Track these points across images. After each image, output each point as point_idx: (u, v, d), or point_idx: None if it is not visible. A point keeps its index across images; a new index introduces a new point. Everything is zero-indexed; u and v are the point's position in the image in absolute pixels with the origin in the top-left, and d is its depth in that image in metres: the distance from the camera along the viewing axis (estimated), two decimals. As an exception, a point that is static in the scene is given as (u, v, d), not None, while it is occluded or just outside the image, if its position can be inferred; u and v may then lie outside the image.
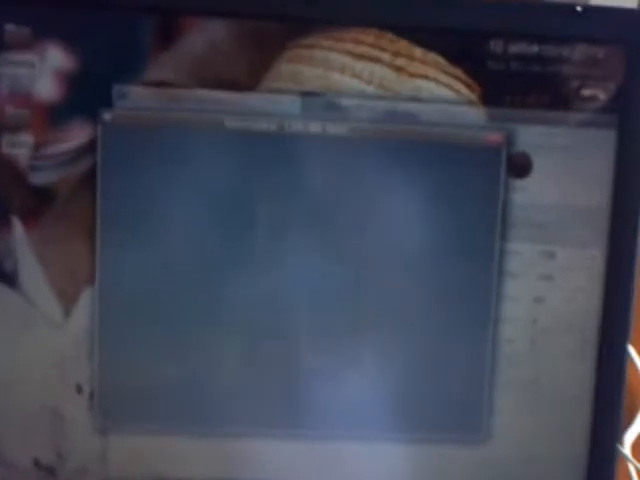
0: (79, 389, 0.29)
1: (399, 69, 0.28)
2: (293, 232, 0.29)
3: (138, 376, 0.29)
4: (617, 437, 0.31)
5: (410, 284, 0.29)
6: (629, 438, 0.40)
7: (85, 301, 0.29)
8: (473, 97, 0.28)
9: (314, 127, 0.28)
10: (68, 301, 0.29)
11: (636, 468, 0.38)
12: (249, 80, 0.28)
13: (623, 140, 0.29)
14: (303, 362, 0.29)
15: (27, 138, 0.27)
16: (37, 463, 0.29)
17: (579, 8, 0.27)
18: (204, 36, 0.27)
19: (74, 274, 0.28)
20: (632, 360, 0.45)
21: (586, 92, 0.28)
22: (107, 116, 0.28)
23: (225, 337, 0.29)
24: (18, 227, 0.28)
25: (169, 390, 0.29)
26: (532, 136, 0.29)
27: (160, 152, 0.28)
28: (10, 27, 0.27)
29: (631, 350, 0.46)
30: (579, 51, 0.28)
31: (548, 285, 0.30)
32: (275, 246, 0.29)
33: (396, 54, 0.28)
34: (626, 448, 0.39)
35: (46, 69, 0.27)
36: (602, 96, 0.28)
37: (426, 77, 0.28)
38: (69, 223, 0.28)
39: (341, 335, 0.29)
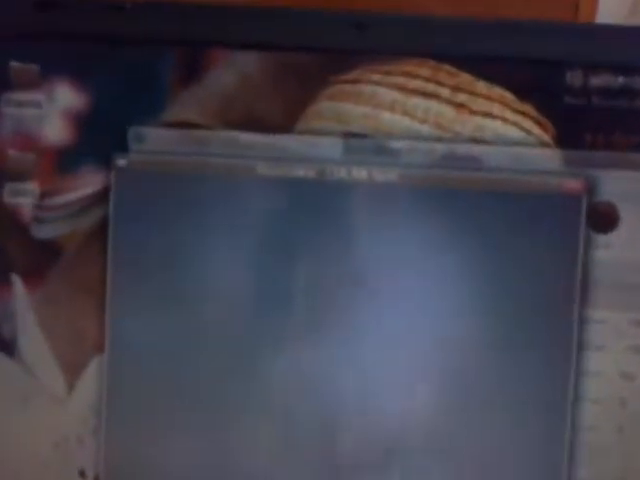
0: (82, 474, 0.26)
1: (459, 106, 0.24)
2: (334, 295, 0.25)
3: (149, 461, 0.25)
4: None
5: (473, 363, 0.25)
6: None
7: (92, 373, 0.25)
8: (546, 138, 0.24)
9: (359, 173, 0.24)
10: (73, 372, 0.25)
11: None
12: (285, 120, 0.24)
13: None
14: (340, 453, 0.25)
15: (32, 186, 0.24)
16: None
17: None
18: (233, 71, 0.24)
19: (80, 341, 0.25)
20: None
21: (683, 131, 0.24)
22: (122, 162, 0.24)
23: (252, 421, 0.25)
24: (19, 287, 0.25)
25: (184, 476, 0.26)
26: (618, 183, 0.24)
27: (182, 203, 0.25)
28: (16, 64, 0.24)
29: None
30: (674, 83, 0.24)
31: (639, 359, 0.25)
32: (313, 310, 0.25)
33: (456, 89, 0.24)
34: None
35: (55, 109, 0.24)
36: (702, 136, 0.24)
37: (491, 115, 0.24)
38: (76, 283, 0.25)
39: (382, 426, 0.25)
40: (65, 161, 0.24)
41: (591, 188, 0.25)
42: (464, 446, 0.25)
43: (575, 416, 0.25)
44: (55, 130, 0.24)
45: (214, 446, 0.25)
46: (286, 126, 0.24)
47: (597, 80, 0.24)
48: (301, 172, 0.25)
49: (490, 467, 0.25)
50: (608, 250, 0.25)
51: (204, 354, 0.25)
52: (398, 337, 0.25)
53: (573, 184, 0.25)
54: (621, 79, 0.24)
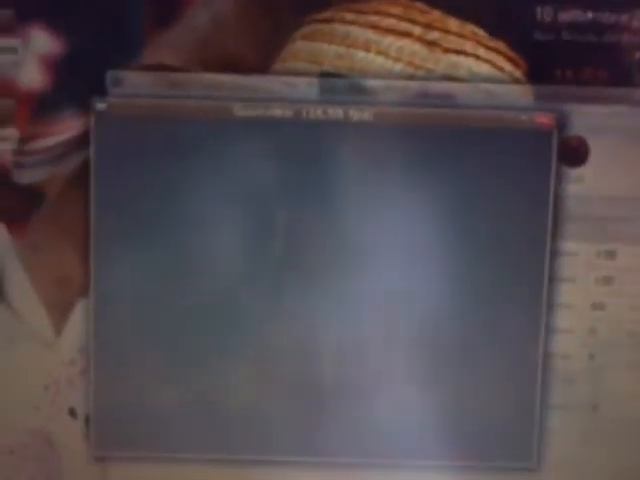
0: (73, 413, 0.28)
1: (432, 44, 0.26)
2: (313, 238, 0.27)
3: (138, 398, 0.28)
4: None
5: (448, 293, 0.28)
6: None
7: (78, 315, 0.27)
8: (518, 74, 0.26)
9: (335, 113, 0.26)
10: (60, 316, 0.27)
11: None
12: (260, 61, 0.26)
13: (695, 120, 0.27)
14: (322, 388, 0.27)
15: (11, 132, 0.26)
16: (29, 497, 0.28)
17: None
18: (208, 11, 0.26)
19: (66, 285, 0.27)
20: None
21: (650, 65, 0.26)
22: (101, 105, 0.26)
23: (235, 356, 0.27)
24: (3, 233, 0.27)
25: (172, 414, 0.28)
26: (588, 117, 0.27)
27: (161, 145, 0.26)
28: (-10, 8, 0.25)
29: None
30: (641, 18, 0.26)
31: (608, 290, 0.28)
32: (292, 254, 0.27)
33: (428, 26, 0.26)
34: None
35: (31, 55, 0.26)
36: (669, 70, 0.26)
37: (463, 52, 0.26)
38: (59, 227, 0.27)
39: (369, 351, 0.28)
40: (44, 106, 0.26)
41: (562, 123, 0.27)
42: (444, 375, 0.28)
43: (547, 346, 0.28)
44: (32, 75, 0.26)
45: (200, 383, 0.28)
46: (262, 67, 0.26)
47: (566, 15, 0.26)
48: (278, 112, 0.26)
49: (468, 395, 0.28)
50: (579, 184, 0.27)
51: (187, 295, 0.27)
52: (377, 270, 0.27)
53: (544, 118, 0.27)
54: (590, 14, 0.26)
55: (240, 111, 0.26)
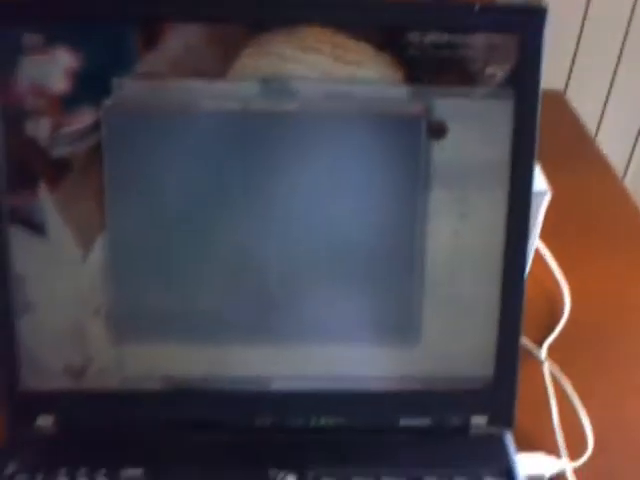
0: (97, 312, 0.41)
1: (337, 58, 0.38)
2: (259, 187, 0.40)
3: (144, 300, 0.41)
4: (518, 336, 0.43)
5: (356, 224, 0.41)
6: (548, 343, 0.53)
7: (99, 245, 0.40)
8: (398, 78, 0.39)
9: (271, 106, 0.39)
10: (86, 245, 0.40)
11: (549, 368, 0.51)
12: (219, 71, 0.38)
13: (518, 108, 0.39)
14: (271, 287, 0.41)
15: (46, 122, 0.38)
16: (68, 367, 0.42)
17: (477, 6, 0.37)
18: (181, 38, 0.37)
19: (90, 224, 0.40)
20: (555, 278, 0.58)
21: (488, 71, 0.39)
22: (108, 103, 0.38)
23: (211, 265, 0.40)
24: (43, 190, 0.39)
25: (168, 309, 0.41)
26: (446, 107, 0.39)
27: (151, 129, 0.39)
28: (28, 36, 0.37)
29: (556, 268, 0.59)
30: (480, 39, 0.38)
31: (462, 222, 0.41)
32: (245, 199, 0.40)
33: (335, 46, 0.38)
34: (543, 351, 0.53)
35: (57, 68, 0.37)
36: (500, 74, 0.39)
37: (359, 64, 0.38)
38: (83, 185, 0.39)
39: (302, 260, 0.41)
40: (67, 104, 0.38)
41: (429, 111, 0.39)
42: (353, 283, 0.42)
43: (422, 261, 0.42)
44: (59, 82, 0.38)
45: (191, 289, 0.41)
46: (220, 75, 0.38)
47: (430, 38, 0.38)
48: (232, 106, 0.39)
49: (371, 293, 0.42)
50: (441, 151, 0.40)
51: (174, 225, 0.40)
52: (303, 208, 0.40)
53: (417, 108, 0.39)
54: (446, 37, 0.38)
55: (205, 105, 0.39)
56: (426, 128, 0.40)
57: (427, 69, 0.39)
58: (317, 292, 0.42)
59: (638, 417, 0.49)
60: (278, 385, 0.43)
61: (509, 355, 0.43)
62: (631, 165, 1.29)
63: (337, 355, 0.43)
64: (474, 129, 0.40)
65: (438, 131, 0.40)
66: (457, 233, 0.42)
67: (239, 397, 0.43)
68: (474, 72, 0.39)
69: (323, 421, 0.44)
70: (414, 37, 0.38)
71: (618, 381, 0.51)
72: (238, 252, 0.41)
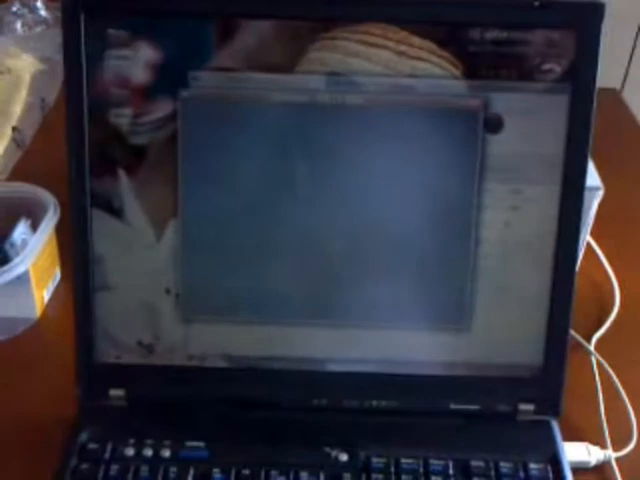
0: (168, 291, 0.45)
1: (401, 53, 0.41)
2: (324, 176, 0.43)
3: (212, 282, 0.44)
4: (568, 327, 0.45)
5: (414, 213, 0.43)
6: (597, 336, 0.55)
7: (171, 228, 0.43)
8: (458, 73, 0.41)
9: (336, 99, 0.42)
10: (160, 228, 0.43)
11: (597, 360, 0.53)
12: (288, 65, 0.41)
13: (574, 103, 0.41)
14: (333, 272, 0.44)
15: (127, 111, 0.41)
16: (139, 343, 0.45)
17: (537, 2, 0.40)
18: (254, 34, 0.40)
19: (164, 209, 0.43)
20: (605, 274, 0.60)
21: (545, 66, 0.41)
22: (185, 94, 0.41)
23: (277, 249, 0.43)
24: (122, 176, 0.43)
25: (234, 290, 0.44)
26: (503, 101, 0.41)
27: (224, 119, 0.42)
28: (112, 31, 0.40)
29: (606, 264, 0.61)
30: (538, 35, 0.40)
31: (515, 214, 0.43)
32: (310, 186, 0.43)
33: (399, 42, 0.41)
34: (592, 345, 0.54)
35: (139, 61, 0.41)
36: (557, 69, 0.41)
37: (421, 59, 0.41)
38: (159, 172, 0.42)
39: (363, 247, 0.44)
40: (148, 94, 0.41)
41: (486, 105, 0.42)
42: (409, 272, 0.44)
43: (476, 250, 0.44)
44: (141, 74, 0.41)
45: (257, 272, 0.44)
46: (289, 69, 0.41)
47: (489, 35, 0.41)
48: (299, 98, 0.42)
49: (427, 282, 0.45)
50: (497, 145, 0.42)
51: (244, 211, 0.43)
52: (364, 196, 0.43)
53: (475, 102, 0.42)
54: (505, 34, 0.41)
55: (275, 97, 0.42)
56: (483, 122, 0.42)
57: (486, 64, 0.41)
58: (376, 279, 0.45)
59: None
60: (335, 367, 0.46)
61: (558, 345, 0.45)
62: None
63: (392, 340, 0.46)
64: (530, 124, 0.42)
65: (495, 125, 0.42)
66: (510, 224, 0.44)
67: (297, 377, 0.46)
68: (532, 67, 0.41)
69: (376, 403, 0.46)
70: (474, 33, 0.41)
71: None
72: (303, 238, 0.44)
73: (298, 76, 0.41)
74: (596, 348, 0.54)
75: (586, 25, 0.40)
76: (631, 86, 1.15)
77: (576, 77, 0.41)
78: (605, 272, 0.60)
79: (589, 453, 0.47)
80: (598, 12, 0.40)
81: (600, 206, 0.53)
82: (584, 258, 0.56)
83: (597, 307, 0.58)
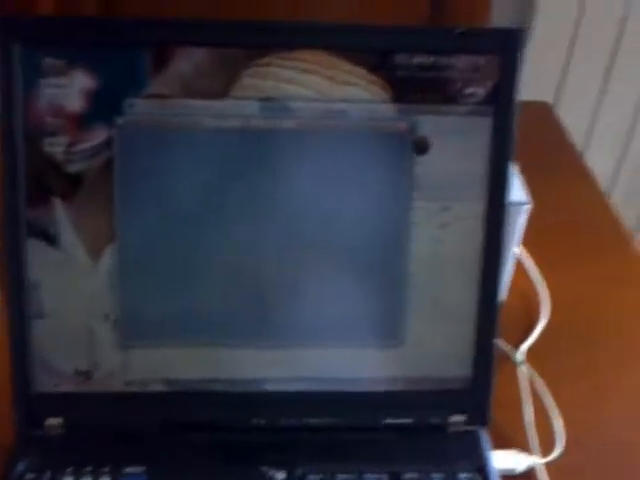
0: (106, 317, 0.45)
1: (331, 78, 0.42)
2: (258, 199, 0.44)
3: (149, 307, 0.45)
4: (493, 339, 0.47)
5: (346, 232, 0.45)
6: (526, 346, 0.57)
7: (108, 254, 0.44)
8: (387, 97, 0.43)
9: (269, 124, 0.43)
10: (96, 254, 0.44)
11: (527, 369, 0.55)
12: (222, 91, 0.42)
13: (496, 124, 0.44)
14: (268, 293, 0.45)
15: (63, 139, 0.42)
16: (77, 370, 0.45)
17: (459, 30, 0.42)
18: (188, 60, 0.41)
19: (100, 235, 0.43)
20: (536, 285, 0.63)
21: (468, 90, 0.43)
22: (120, 121, 0.42)
23: (211, 273, 0.44)
24: (58, 204, 0.43)
25: (171, 314, 0.45)
26: (430, 124, 0.43)
27: (159, 145, 0.42)
28: (47, 60, 0.41)
29: (536, 276, 0.63)
30: (462, 60, 0.43)
31: (445, 230, 0.45)
32: (245, 209, 0.44)
33: (330, 68, 0.42)
34: (520, 354, 0.57)
35: (75, 89, 0.41)
36: (480, 93, 0.43)
37: (351, 84, 0.43)
38: (95, 199, 0.43)
39: (295, 266, 0.45)
40: (83, 122, 0.42)
41: (413, 128, 0.44)
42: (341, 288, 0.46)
43: (406, 266, 0.46)
44: (75, 102, 0.41)
45: (193, 295, 0.45)
46: (222, 95, 0.42)
47: (416, 60, 0.43)
48: (232, 124, 0.43)
49: (357, 299, 0.46)
50: (425, 165, 0.44)
51: (177, 236, 0.43)
52: (298, 217, 0.44)
53: (402, 125, 0.44)
54: (431, 59, 0.43)
55: (208, 123, 0.43)
56: (411, 144, 0.44)
57: (413, 89, 0.43)
58: (310, 298, 0.46)
59: (611, 417, 0.53)
60: (272, 386, 0.47)
61: (485, 357, 0.47)
62: (620, 177, 1.36)
63: (326, 357, 0.47)
64: (455, 144, 0.44)
65: (422, 146, 0.44)
66: (440, 241, 0.46)
67: (236, 398, 0.47)
68: (456, 91, 0.43)
69: (313, 421, 0.47)
70: (402, 59, 0.43)
71: (594, 383, 0.55)
72: (237, 261, 0.45)
73: (232, 102, 0.42)
74: (527, 358, 0.56)
75: (507, 50, 0.43)
76: (565, 99, 1.19)
77: (498, 100, 0.44)
78: (535, 284, 0.62)
79: (517, 460, 0.49)
80: (518, 38, 0.43)
81: (532, 219, 0.55)
82: (515, 271, 0.59)
83: (527, 318, 0.60)
